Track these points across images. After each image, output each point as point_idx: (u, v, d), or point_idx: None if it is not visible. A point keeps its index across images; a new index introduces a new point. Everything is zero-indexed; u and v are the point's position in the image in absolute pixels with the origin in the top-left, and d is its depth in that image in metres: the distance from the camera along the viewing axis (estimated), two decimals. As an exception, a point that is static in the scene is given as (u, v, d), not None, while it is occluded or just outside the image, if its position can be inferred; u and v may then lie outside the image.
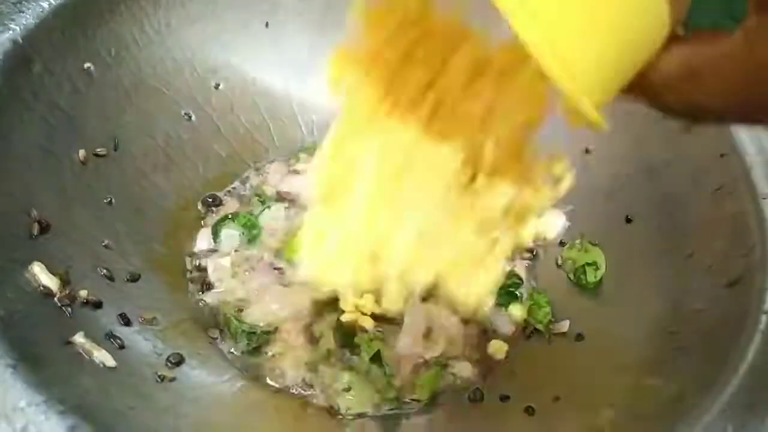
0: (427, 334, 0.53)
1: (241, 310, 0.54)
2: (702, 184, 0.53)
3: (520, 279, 0.59)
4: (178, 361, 0.47)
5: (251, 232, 0.59)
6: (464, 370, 0.53)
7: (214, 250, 0.58)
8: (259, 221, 0.60)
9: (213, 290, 0.55)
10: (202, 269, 0.57)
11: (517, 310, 0.56)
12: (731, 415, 0.40)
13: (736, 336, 0.44)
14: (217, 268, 0.57)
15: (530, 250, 0.61)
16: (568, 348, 0.53)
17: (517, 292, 0.58)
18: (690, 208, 0.53)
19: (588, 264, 0.58)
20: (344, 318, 0.53)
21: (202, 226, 0.59)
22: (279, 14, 0.64)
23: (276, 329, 0.53)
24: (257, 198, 0.62)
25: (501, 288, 0.56)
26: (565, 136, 0.62)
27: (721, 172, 0.52)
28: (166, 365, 0.47)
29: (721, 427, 0.39)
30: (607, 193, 0.59)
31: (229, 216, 0.59)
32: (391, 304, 0.47)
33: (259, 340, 0.53)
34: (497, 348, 0.54)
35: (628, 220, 0.57)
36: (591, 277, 0.57)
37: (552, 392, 0.49)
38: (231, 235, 0.58)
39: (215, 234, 0.58)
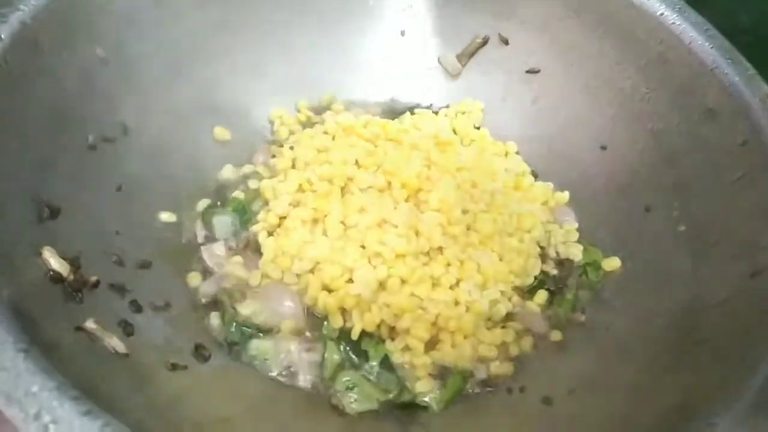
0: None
1: (237, 302, 0.52)
2: (723, 172, 0.52)
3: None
4: (191, 350, 0.46)
5: (242, 216, 0.58)
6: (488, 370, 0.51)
7: (211, 238, 0.57)
8: (250, 205, 0.58)
9: (212, 276, 0.54)
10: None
11: (541, 298, 0.55)
12: (755, 408, 0.38)
13: (760, 327, 0.43)
14: (211, 255, 0.56)
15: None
16: (585, 340, 0.52)
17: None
18: (711, 198, 0.52)
19: (588, 264, 0.57)
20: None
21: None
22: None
23: (272, 329, 0.52)
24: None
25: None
26: (581, 134, 0.63)
27: (742, 161, 0.51)
28: (178, 353, 0.46)
29: (745, 419, 0.38)
30: (626, 185, 0.58)
31: (218, 203, 0.58)
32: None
33: (251, 335, 0.51)
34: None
35: (647, 210, 0.57)
36: (593, 276, 0.56)
37: (567, 385, 0.48)
38: (223, 221, 0.57)
39: (207, 222, 0.57)
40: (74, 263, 0.44)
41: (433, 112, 0.66)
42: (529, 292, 0.56)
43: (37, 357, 0.33)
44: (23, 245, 0.41)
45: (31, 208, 0.44)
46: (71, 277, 0.43)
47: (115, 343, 0.42)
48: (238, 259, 0.55)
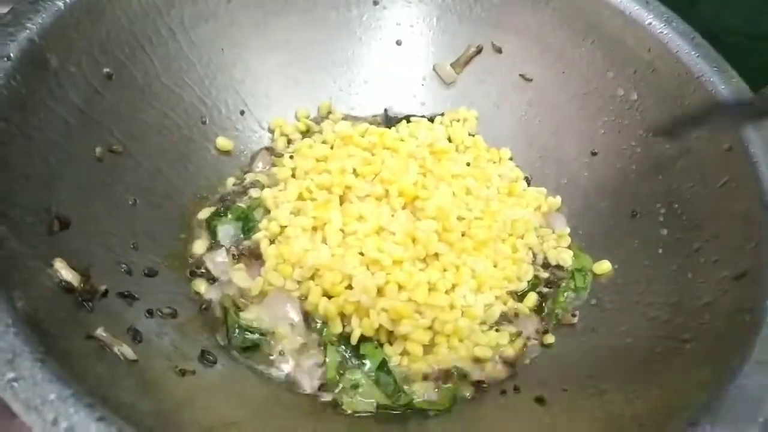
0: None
1: (240, 309, 0.54)
2: (708, 178, 0.54)
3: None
4: (197, 355, 0.48)
5: (246, 224, 0.59)
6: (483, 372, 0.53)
7: (216, 246, 0.58)
8: (253, 213, 0.60)
9: (216, 283, 0.56)
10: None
11: (532, 302, 0.57)
12: (737, 408, 0.40)
13: (744, 329, 0.45)
14: (215, 262, 0.57)
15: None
16: (577, 341, 0.54)
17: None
18: (697, 202, 0.54)
19: (577, 270, 0.59)
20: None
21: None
22: (291, 9, 0.66)
23: (275, 334, 0.53)
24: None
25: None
26: (572, 140, 0.65)
27: (727, 167, 0.53)
28: (185, 358, 0.48)
29: (727, 419, 0.40)
30: (615, 190, 0.60)
31: (221, 211, 0.60)
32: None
33: (254, 339, 0.53)
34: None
35: (634, 215, 0.58)
36: (580, 282, 0.58)
37: (559, 385, 0.50)
38: (226, 229, 0.59)
39: (211, 230, 0.59)
40: (84, 273, 0.45)
41: (428, 119, 0.68)
42: (522, 296, 0.57)
43: (52, 366, 0.34)
44: (36, 257, 0.43)
45: (42, 221, 0.45)
46: (82, 286, 0.45)
47: (124, 350, 0.44)
48: (240, 266, 0.56)
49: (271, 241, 0.57)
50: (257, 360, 0.52)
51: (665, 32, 0.59)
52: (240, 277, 0.56)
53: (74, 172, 0.50)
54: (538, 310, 0.57)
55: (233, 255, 0.58)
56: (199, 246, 0.58)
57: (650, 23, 0.60)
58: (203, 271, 0.57)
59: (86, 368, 0.39)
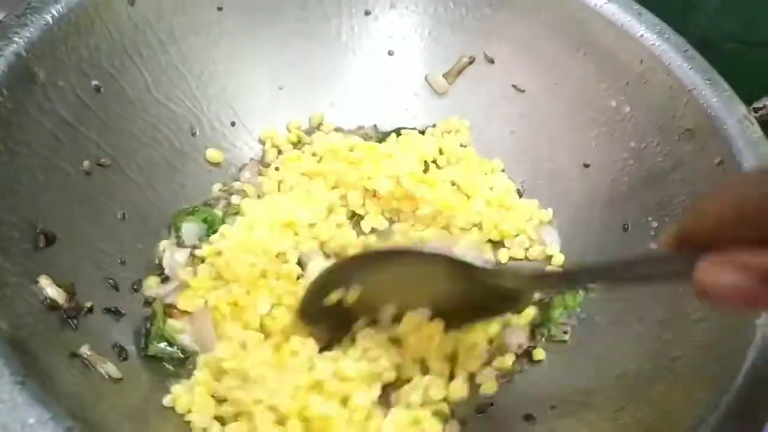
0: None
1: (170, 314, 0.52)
2: (700, 191, 0.54)
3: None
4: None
5: (210, 228, 0.58)
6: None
7: (180, 245, 0.57)
8: (220, 219, 0.59)
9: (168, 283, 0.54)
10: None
11: (526, 318, 0.57)
12: (728, 425, 0.40)
13: (734, 345, 0.44)
14: (171, 260, 0.56)
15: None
16: (567, 357, 0.54)
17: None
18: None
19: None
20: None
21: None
22: (283, 20, 0.65)
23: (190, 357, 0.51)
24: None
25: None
26: (564, 152, 0.64)
27: (719, 180, 0.53)
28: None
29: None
30: (607, 203, 0.60)
31: (189, 209, 0.59)
32: None
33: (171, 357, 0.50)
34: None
35: (625, 228, 0.58)
36: (570, 300, 0.57)
37: (548, 402, 0.49)
38: (191, 228, 0.58)
39: (176, 228, 0.58)
40: (70, 290, 0.45)
41: (419, 132, 0.68)
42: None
43: (33, 389, 0.34)
44: (20, 274, 0.43)
45: (27, 237, 0.45)
46: (67, 304, 0.44)
47: (109, 368, 0.43)
48: (189, 271, 0.55)
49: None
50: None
51: (658, 44, 0.59)
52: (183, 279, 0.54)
53: (61, 186, 0.50)
54: (529, 325, 0.56)
55: (194, 257, 0.56)
56: (164, 244, 0.57)
57: (642, 35, 0.60)
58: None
59: (68, 389, 0.39)
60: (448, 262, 0.45)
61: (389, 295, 0.49)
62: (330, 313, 0.49)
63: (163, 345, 0.50)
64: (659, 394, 0.46)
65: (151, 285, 0.54)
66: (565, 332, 0.55)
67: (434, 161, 0.65)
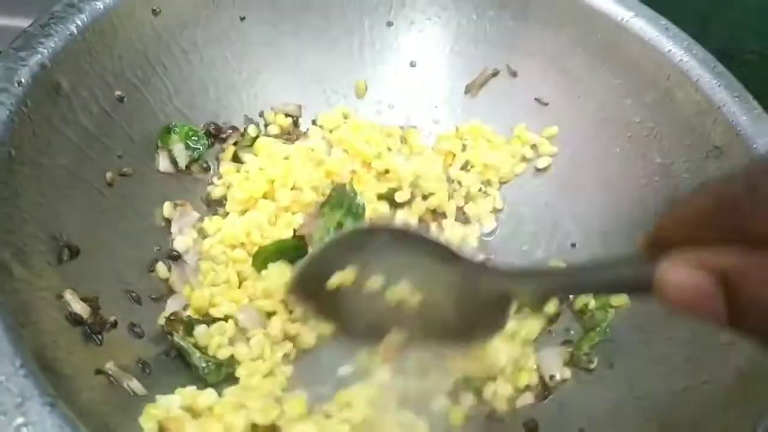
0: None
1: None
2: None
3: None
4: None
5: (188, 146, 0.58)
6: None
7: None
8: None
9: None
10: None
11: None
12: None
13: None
14: (181, 241, 0.56)
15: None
16: (595, 379, 0.53)
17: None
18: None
19: (597, 309, 0.57)
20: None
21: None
22: (305, 31, 0.65)
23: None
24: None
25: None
26: (588, 167, 0.63)
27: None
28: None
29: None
30: (631, 220, 0.59)
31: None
32: None
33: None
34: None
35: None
36: (600, 316, 0.56)
37: (576, 424, 0.49)
38: (179, 149, 0.58)
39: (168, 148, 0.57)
40: (94, 304, 0.45)
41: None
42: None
43: (62, 409, 0.34)
44: (45, 289, 0.42)
45: (51, 250, 0.45)
46: (91, 319, 0.44)
47: (134, 385, 0.43)
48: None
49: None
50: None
51: (685, 60, 0.58)
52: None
53: (84, 198, 0.49)
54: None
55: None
56: (163, 164, 0.57)
57: (669, 50, 0.59)
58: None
59: (95, 406, 0.38)
60: (449, 254, 0.41)
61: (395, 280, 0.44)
62: (329, 296, 0.45)
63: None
64: (690, 416, 0.45)
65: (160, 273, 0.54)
66: (592, 353, 0.54)
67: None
